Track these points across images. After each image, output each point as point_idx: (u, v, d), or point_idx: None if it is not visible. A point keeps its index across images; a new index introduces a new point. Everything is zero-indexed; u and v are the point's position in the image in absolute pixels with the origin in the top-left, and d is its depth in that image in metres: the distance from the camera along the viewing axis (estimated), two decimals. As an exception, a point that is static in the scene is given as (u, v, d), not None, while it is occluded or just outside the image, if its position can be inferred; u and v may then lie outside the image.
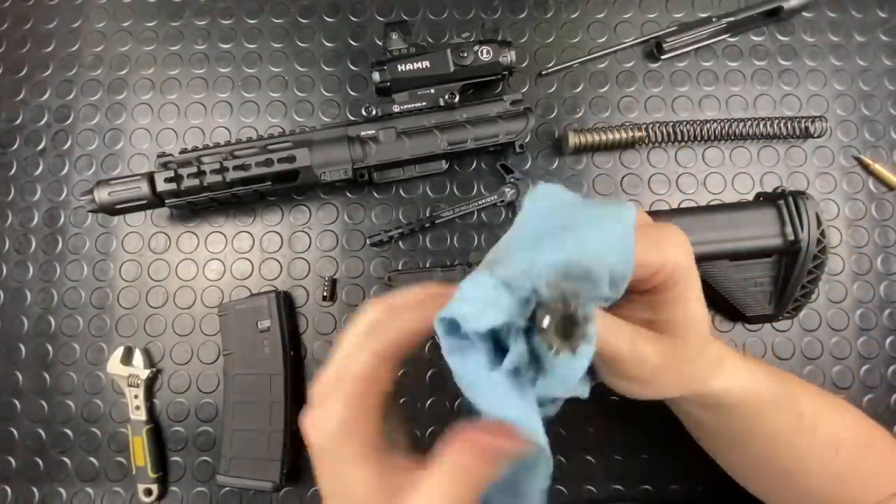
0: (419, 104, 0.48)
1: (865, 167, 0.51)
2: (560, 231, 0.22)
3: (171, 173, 0.45)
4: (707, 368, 0.29)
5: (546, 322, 0.19)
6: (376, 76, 0.46)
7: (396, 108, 0.48)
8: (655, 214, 0.45)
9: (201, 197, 0.46)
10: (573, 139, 0.49)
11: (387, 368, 0.23)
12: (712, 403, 0.31)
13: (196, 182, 0.45)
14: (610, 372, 0.27)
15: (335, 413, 0.22)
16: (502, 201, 0.50)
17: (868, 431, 0.35)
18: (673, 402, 0.37)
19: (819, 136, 0.51)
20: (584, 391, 0.24)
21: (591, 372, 0.28)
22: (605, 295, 0.22)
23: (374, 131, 0.47)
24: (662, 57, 0.52)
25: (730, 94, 0.53)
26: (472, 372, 0.21)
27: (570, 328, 0.19)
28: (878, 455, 0.34)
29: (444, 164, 0.49)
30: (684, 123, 0.50)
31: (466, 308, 0.20)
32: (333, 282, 0.50)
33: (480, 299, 0.20)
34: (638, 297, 0.27)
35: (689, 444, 0.48)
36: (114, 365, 0.48)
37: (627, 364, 0.25)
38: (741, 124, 0.50)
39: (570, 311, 0.19)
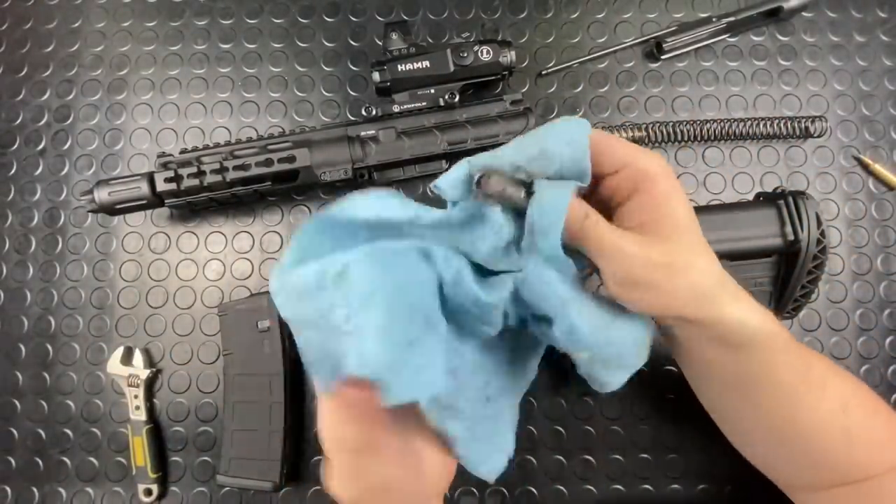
0: (419, 104, 0.48)
1: (865, 167, 0.51)
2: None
3: (171, 173, 0.45)
4: (722, 293, 0.30)
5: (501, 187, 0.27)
6: (376, 76, 0.46)
7: (396, 108, 0.48)
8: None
9: (201, 197, 0.46)
10: (573, 139, 0.49)
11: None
12: (727, 337, 0.31)
13: (196, 182, 0.45)
14: (608, 274, 0.29)
15: None
16: (502, 201, 0.50)
17: (874, 400, 0.34)
18: (682, 343, 0.35)
19: (819, 136, 0.51)
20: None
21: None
22: (563, 171, 0.28)
23: (374, 131, 0.47)
24: (662, 57, 0.52)
25: (730, 94, 0.53)
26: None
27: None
28: (884, 422, 0.34)
29: (444, 164, 0.49)
30: (684, 123, 0.50)
31: (447, 181, 0.29)
32: (333, 282, 0.50)
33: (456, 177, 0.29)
34: (626, 206, 0.30)
35: (689, 444, 0.48)
36: (114, 365, 0.48)
37: (617, 258, 0.28)
38: (741, 124, 0.50)
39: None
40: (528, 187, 0.27)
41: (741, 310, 0.30)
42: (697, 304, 0.29)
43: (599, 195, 0.31)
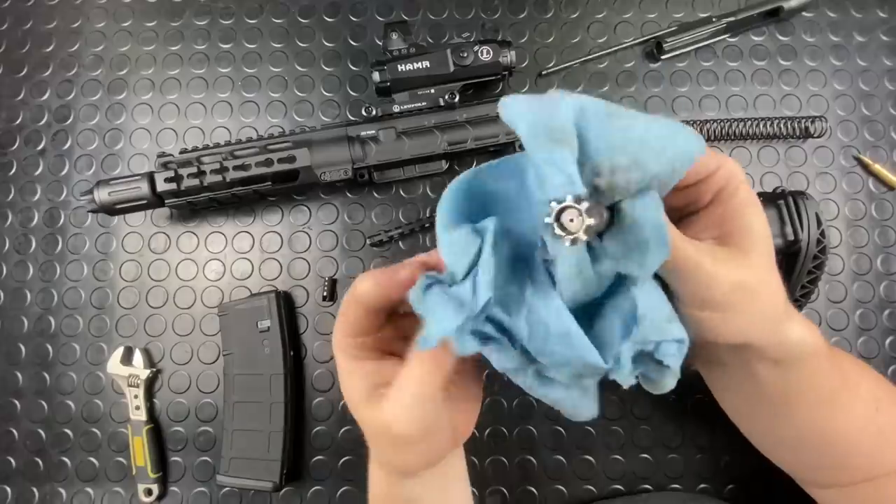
0: (419, 104, 0.48)
1: (865, 167, 0.51)
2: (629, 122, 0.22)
3: (171, 173, 0.45)
4: (783, 310, 0.28)
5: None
6: (376, 76, 0.46)
7: (396, 108, 0.48)
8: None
9: (201, 197, 0.46)
10: (573, 139, 0.49)
11: (360, 311, 0.28)
12: (781, 356, 0.29)
13: (196, 182, 0.45)
14: (686, 294, 0.26)
15: (341, 324, 0.29)
16: (502, 201, 0.50)
17: None
18: (726, 365, 0.34)
19: (819, 136, 0.51)
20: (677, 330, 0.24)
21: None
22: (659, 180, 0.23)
23: (374, 131, 0.47)
24: (662, 57, 0.52)
25: (730, 94, 0.53)
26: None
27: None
28: None
29: (444, 164, 0.49)
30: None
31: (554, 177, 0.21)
32: (333, 282, 0.50)
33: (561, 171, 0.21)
34: (701, 216, 0.27)
35: (689, 444, 0.48)
36: (114, 365, 0.48)
37: (697, 277, 0.25)
38: (741, 124, 0.50)
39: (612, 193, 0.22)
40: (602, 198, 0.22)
41: (798, 328, 0.29)
42: (767, 328, 0.28)
43: (669, 202, 0.26)
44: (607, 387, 0.28)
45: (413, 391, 0.25)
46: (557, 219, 0.20)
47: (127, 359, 0.48)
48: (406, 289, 0.26)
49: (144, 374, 0.48)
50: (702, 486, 0.47)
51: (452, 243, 0.24)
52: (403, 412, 0.25)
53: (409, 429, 0.26)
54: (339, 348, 0.29)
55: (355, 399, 0.28)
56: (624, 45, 0.53)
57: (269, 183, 0.46)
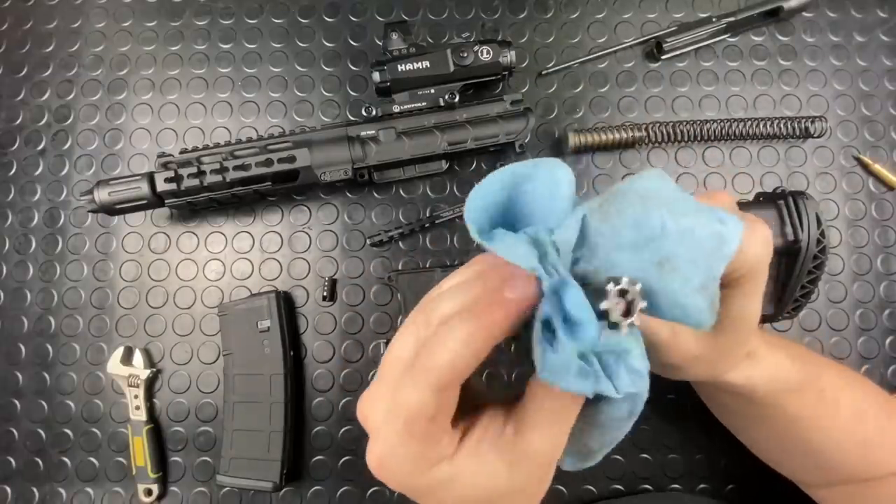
0: (419, 104, 0.48)
1: (865, 167, 0.51)
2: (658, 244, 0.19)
3: (171, 173, 0.45)
4: (734, 362, 0.30)
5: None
6: (376, 76, 0.46)
7: (396, 108, 0.48)
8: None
9: (201, 197, 0.46)
10: (573, 139, 0.49)
11: (450, 393, 0.19)
12: (733, 391, 0.32)
13: (196, 182, 0.45)
14: (654, 358, 0.26)
15: (403, 455, 0.19)
16: (502, 201, 0.50)
17: (889, 402, 0.35)
18: (696, 384, 0.39)
19: (819, 136, 0.51)
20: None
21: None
22: None
23: (374, 131, 0.47)
24: (662, 57, 0.52)
25: (730, 94, 0.53)
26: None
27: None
28: None
29: (444, 164, 0.49)
30: (684, 123, 0.50)
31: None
32: (333, 282, 0.50)
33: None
34: None
35: (689, 444, 0.48)
36: (114, 365, 0.48)
37: (664, 350, 0.27)
38: (741, 124, 0.50)
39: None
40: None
41: (748, 370, 0.30)
42: (709, 377, 0.30)
43: None
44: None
45: (563, 419, 0.20)
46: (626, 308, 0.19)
47: (127, 359, 0.48)
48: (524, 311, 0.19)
49: (144, 374, 0.48)
50: (702, 486, 0.47)
51: (509, 246, 0.21)
52: (560, 438, 0.21)
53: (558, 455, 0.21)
54: (409, 479, 0.20)
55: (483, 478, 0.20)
56: (624, 45, 0.53)
57: (269, 183, 0.46)
